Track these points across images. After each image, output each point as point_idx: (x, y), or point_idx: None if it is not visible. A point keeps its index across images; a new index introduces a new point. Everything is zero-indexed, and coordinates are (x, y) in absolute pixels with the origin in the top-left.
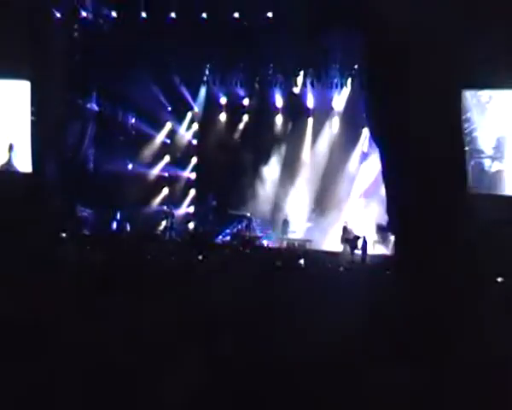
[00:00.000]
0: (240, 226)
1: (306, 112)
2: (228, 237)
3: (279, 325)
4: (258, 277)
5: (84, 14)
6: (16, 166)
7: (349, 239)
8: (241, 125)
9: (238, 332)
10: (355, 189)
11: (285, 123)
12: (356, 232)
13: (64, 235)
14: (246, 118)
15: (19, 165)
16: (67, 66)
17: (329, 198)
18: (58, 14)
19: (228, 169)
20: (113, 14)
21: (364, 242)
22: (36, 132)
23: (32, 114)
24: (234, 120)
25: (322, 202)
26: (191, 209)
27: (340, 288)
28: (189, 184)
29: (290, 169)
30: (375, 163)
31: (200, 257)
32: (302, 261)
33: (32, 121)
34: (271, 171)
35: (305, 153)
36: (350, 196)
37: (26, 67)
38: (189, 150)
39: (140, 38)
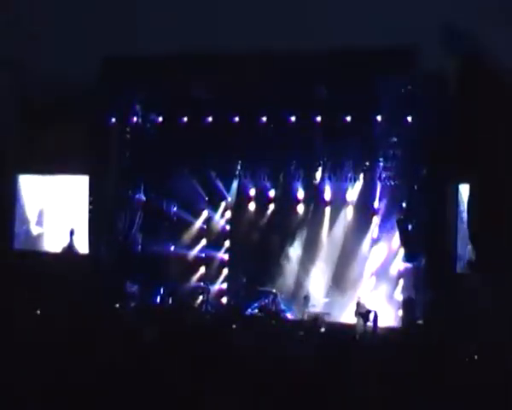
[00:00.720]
0: (266, 301)
1: (324, 202)
2: (256, 310)
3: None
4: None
5: (134, 119)
6: (76, 248)
7: (362, 313)
8: (268, 213)
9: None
10: (367, 268)
11: (306, 211)
12: (368, 307)
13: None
14: (272, 207)
15: (78, 247)
16: (120, 163)
17: (345, 277)
18: (113, 119)
19: (256, 251)
20: (159, 119)
21: (375, 315)
22: (93, 219)
23: (90, 203)
24: (261, 208)
25: (339, 280)
26: (224, 286)
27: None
28: (223, 263)
29: (310, 251)
30: (383, 247)
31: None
32: (323, 329)
33: (90, 209)
34: (294, 252)
35: (323, 237)
36: (363, 275)
37: (85, 164)
38: (223, 235)
39: (181, 138)
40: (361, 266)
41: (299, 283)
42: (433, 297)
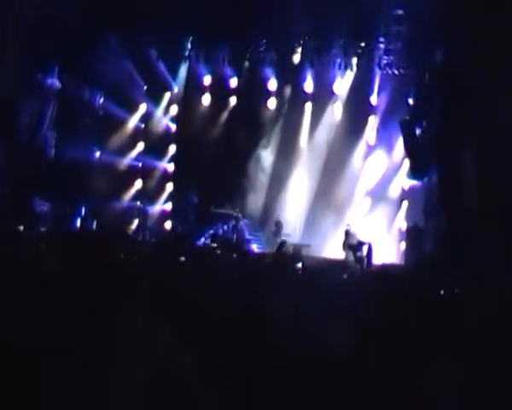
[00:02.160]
0: (225, 227)
1: (304, 96)
2: (209, 240)
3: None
4: (246, 286)
5: None
6: None
7: (352, 245)
8: (228, 109)
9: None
10: (359, 187)
11: (279, 108)
12: (360, 237)
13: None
14: (233, 101)
15: None
16: (21, 31)
17: (330, 197)
18: None
19: (212, 161)
20: None
21: (370, 248)
22: None
23: None
24: (219, 103)
25: (322, 201)
26: (168, 206)
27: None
28: (166, 176)
29: (285, 163)
30: (382, 158)
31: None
32: (300, 265)
33: None
34: (263, 164)
35: (302, 144)
36: (353, 196)
37: None
38: (167, 137)
39: (109, 1)
40: (352, 183)
41: (270, 204)
42: (447, 226)
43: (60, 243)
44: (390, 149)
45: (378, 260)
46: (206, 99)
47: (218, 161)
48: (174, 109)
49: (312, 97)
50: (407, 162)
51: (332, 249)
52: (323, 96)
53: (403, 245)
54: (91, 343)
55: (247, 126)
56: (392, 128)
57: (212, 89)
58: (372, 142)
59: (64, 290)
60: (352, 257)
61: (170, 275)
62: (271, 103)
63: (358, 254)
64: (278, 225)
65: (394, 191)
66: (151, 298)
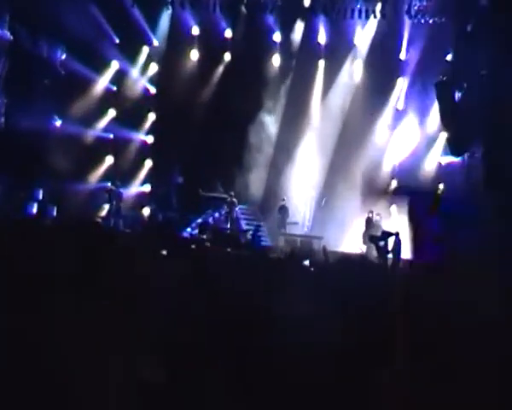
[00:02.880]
0: (217, 215)
1: (316, 50)
2: (197, 230)
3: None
4: (243, 287)
5: None
6: None
7: (375, 237)
8: (221, 68)
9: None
10: (385, 163)
11: (285, 66)
12: (385, 227)
13: None
14: (227, 57)
15: None
16: None
17: (347, 177)
18: None
19: (201, 131)
20: None
21: (398, 241)
22: None
23: None
24: (210, 59)
25: (337, 182)
26: (146, 189)
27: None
28: (144, 151)
29: (292, 133)
30: (413, 129)
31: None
32: (307, 262)
33: None
34: (265, 135)
35: (314, 110)
36: (378, 176)
37: None
38: (145, 103)
39: None
40: (375, 159)
41: (273, 185)
42: (495, 212)
43: (9, 236)
44: (423, 117)
45: (407, 254)
46: (194, 55)
47: (208, 131)
48: (154, 68)
49: (326, 52)
50: (444, 135)
51: (350, 242)
52: (340, 50)
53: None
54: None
55: (245, 88)
56: (426, 91)
57: (201, 42)
58: (400, 106)
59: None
60: (374, 252)
61: (149, 273)
62: (275, 60)
63: (383, 247)
64: (283, 212)
65: (428, 170)
66: (126, 302)
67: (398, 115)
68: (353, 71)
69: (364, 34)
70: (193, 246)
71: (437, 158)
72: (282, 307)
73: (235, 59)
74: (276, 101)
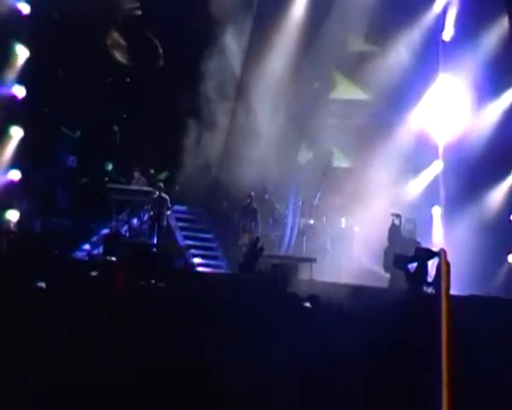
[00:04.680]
0: (135, 222)
1: None
2: (104, 248)
3: None
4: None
5: None
6: None
7: (405, 258)
8: None
9: None
10: (416, 142)
11: None
12: (423, 242)
13: None
14: None
15: None
16: None
17: (357, 156)
18: None
19: (110, 79)
20: None
21: (442, 263)
22: None
23: None
24: None
25: (340, 172)
26: (14, 176)
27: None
28: (11, 112)
29: (261, 86)
30: (463, 85)
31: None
32: (308, 304)
33: None
34: (221, 73)
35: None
36: (404, 159)
37: None
38: (13, 30)
39: None
40: (400, 132)
41: (231, 170)
42: None
43: None
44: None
45: (457, 287)
46: None
47: (121, 78)
48: None
49: None
50: None
51: (361, 267)
52: None
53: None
54: None
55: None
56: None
57: None
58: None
59: None
60: (403, 282)
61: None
62: None
63: (418, 274)
64: (248, 214)
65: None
66: None
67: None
68: None
69: None
70: (93, 273)
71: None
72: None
73: None
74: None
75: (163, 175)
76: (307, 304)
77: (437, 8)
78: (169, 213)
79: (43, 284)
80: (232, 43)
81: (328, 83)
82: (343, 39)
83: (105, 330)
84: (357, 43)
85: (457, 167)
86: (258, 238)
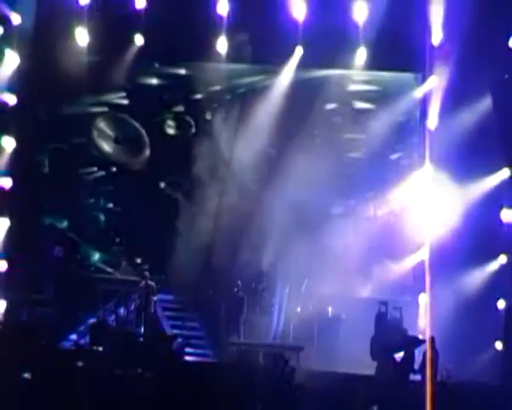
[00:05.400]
0: (122, 311)
1: None
2: (90, 337)
3: None
4: None
5: None
6: None
7: (392, 346)
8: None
9: None
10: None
11: None
12: (410, 330)
13: None
14: (139, 40)
15: None
16: None
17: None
18: None
19: (92, 165)
20: None
21: (436, 353)
22: None
23: None
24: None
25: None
26: (1, 266)
27: None
28: None
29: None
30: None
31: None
32: None
33: None
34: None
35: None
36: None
37: None
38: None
39: None
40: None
41: (218, 262)
42: None
43: None
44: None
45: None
46: (82, 36)
47: (104, 166)
48: (12, 61)
49: None
50: None
51: (349, 356)
52: None
53: (498, 345)
54: None
55: None
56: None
57: (95, 16)
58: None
59: None
60: (389, 369)
61: None
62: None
63: (405, 362)
64: (234, 303)
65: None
66: None
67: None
68: None
69: None
70: (79, 364)
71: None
72: None
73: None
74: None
75: (149, 264)
76: None
77: (418, 94)
78: (155, 298)
79: (28, 375)
80: (221, 126)
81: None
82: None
83: None
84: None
85: (442, 252)
86: (286, 361)
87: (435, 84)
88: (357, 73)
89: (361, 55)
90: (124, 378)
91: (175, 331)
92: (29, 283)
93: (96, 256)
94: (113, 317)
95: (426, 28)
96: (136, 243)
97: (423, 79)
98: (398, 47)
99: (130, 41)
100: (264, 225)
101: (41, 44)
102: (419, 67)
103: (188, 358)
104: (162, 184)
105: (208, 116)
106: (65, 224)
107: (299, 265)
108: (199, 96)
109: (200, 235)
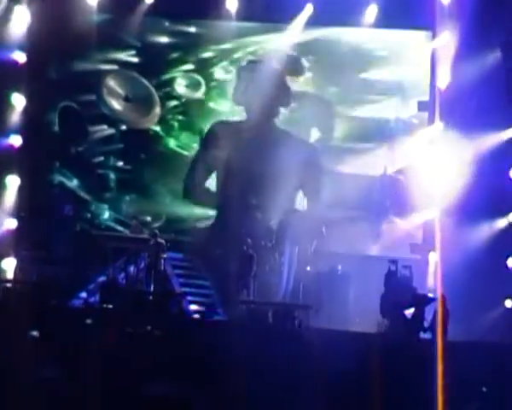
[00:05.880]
0: (132, 269)
1: None
2: (100, 296)
3: None
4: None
5: None
6: None
7: (402, 304)
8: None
9: None
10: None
11: None
12: (419, 288)
13: None
14: None
15: None
16: None
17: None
18: None
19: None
20: None
21: (447, 312)
22: None
23: None
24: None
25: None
26: (11, 224)
27: None
28: (8, 161)
29: None
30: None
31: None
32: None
33: None
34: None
35: None
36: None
37: None
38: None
39: None
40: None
41: (226, 214)
42: None
43: None
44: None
45: (455, 332)
46: None
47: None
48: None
49: None
50: None
51: (358, 313)
52: None
53: (508, 303)
54: None
55: None
56: None
57: None
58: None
59: None
60: (401, 328)
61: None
62: None
63: (415, 320)
64: (244, 261)
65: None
66: None
67: None
68: None
69: None
70: (88, 321)
71: None
72: None
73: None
74: None
75: (159, 222)
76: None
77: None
78: (165, 256)
79: (36, 333)
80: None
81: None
82: None
83: (99, 377)
84: None
85: (452, 210)
86: (296, 320)
87: (445, 41)
88: (367, 31)
89: (371, 12)
90: (133, 336)
91: (184, 289)
92: (39, 241)
93: (106, 215)
94: (122, 275)
95: None
96: (146, 201)
97: (433, 37)
98: (409, 4)
99: None
100: (274, 182)
101: (51, 2)
102: (429, 25)
103: (197, 316)
104: (172, 143)
105: (218, 74)
106: (75, 182)
107: (308, 223)
108: (209, 54)
109: (210, 193)
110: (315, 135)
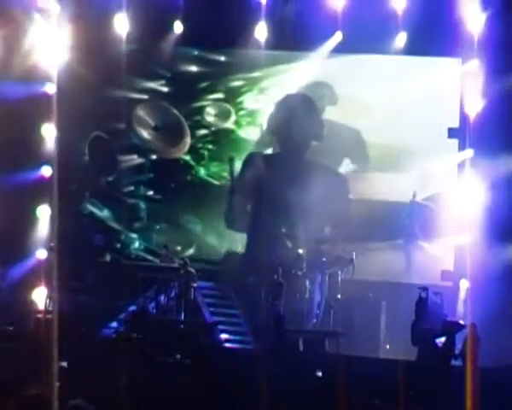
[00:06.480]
0: (162, 299)
1: None
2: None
3: None
4: None
5: None
6: None
7: (432, 331)
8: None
9: None
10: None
11: None
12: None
13: None
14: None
15: None
16: None
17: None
18: None
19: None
20: None
21: (478, 339)
22: None
23: None
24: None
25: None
26: (41, 255)
27: None
28: (39, 192)
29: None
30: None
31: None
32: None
33: None
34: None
35: None
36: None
37: None
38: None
39: None
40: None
41: (258, 245)
42: None
43: None
44: None
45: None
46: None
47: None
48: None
49: None
50: None
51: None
52: None
53: None
54: None
55: None
56: None
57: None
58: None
59: None
60: (430, 355)
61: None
62: None
63: (445, 348)
64: (273, 289)
65: None
66: None
67: None
68: None
69: None
70: (119, 351)
71: None
72: None
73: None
74: None
75: (189, 251)
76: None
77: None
78: (195, 284)
79: (64, 364)
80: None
81: None
82: None
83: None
84: None
85: (483, 237)
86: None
87: (474, 68)
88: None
89: (401, 40)
90: (163, 365)
91: (215, 318)
92: (69, 271)
93: (136, 244)
94: (153, 304)
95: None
96: (176, 230)
97: (462, 64)
98: (438, 32)
99: (170, 28)
100: (304, 212)
101: (81, 32)
102: (458, 53)
103: (227, 345)
104: (202, 172)
105: (247, 103)
106: (105, 212)
107: (338, 251)
108: (238, 83)
109: (241, 221)
110: (347, 165)
